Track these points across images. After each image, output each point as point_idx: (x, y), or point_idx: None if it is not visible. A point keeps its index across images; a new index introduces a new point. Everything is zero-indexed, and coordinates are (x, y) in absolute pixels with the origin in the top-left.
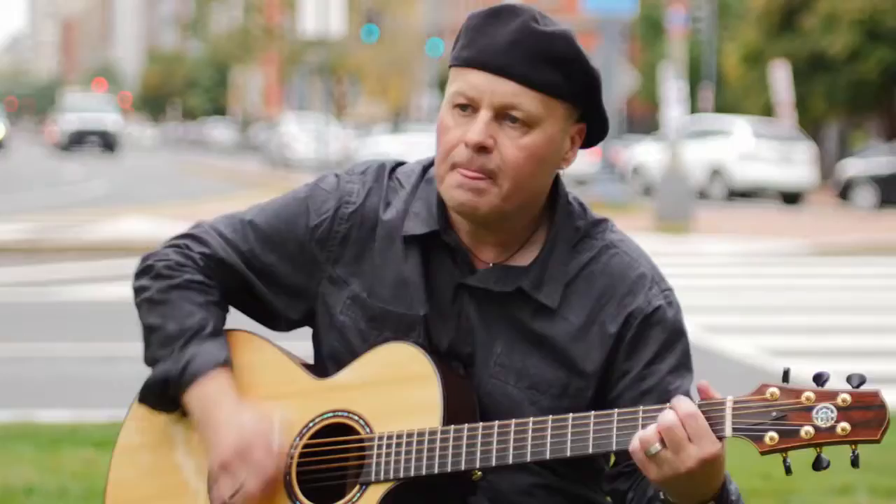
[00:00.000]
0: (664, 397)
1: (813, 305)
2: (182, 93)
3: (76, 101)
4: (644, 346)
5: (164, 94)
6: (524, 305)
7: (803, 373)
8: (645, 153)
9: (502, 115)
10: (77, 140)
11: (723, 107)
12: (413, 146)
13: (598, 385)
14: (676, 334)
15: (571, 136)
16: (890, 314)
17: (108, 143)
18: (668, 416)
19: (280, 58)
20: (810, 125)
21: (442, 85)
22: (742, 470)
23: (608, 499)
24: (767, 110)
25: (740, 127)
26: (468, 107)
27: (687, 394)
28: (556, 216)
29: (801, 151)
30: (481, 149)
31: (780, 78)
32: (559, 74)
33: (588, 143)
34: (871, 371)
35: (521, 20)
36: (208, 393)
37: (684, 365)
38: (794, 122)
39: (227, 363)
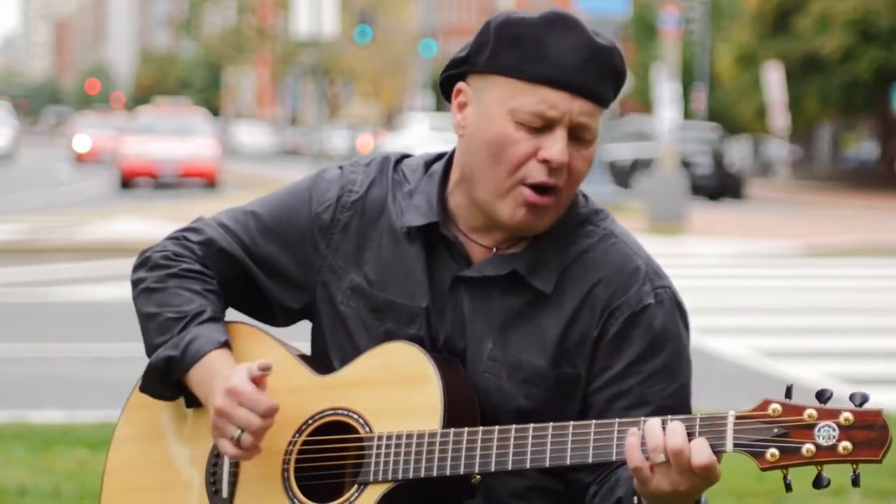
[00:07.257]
0: (639, 401)
1: (806, 306)
2: (175, 93)
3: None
4: (628, 345)
5: (157, 95)
6: (519, 293)
7: (796, 373)
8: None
9: (572, 133)
10: None
11: (716, 108)
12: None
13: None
14: (663, 335)
15: None
16: (883, 315)
17: None
18: (678, 438)
19: (273, 58)
20: (804, 126)
21: (435, 86)
22: (735, 470)
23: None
24: (761, 111)
25: (419, 120)
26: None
27: (667, 399)
28: None
29: None
30: (559, 166)
31: (774, 79)
32: (613, 89)
33: None
34: (863, 372)
35: (579, 31)
36: (212, 365)
37: (669, 370)
38: (788, 122)
39: (227, 345)
